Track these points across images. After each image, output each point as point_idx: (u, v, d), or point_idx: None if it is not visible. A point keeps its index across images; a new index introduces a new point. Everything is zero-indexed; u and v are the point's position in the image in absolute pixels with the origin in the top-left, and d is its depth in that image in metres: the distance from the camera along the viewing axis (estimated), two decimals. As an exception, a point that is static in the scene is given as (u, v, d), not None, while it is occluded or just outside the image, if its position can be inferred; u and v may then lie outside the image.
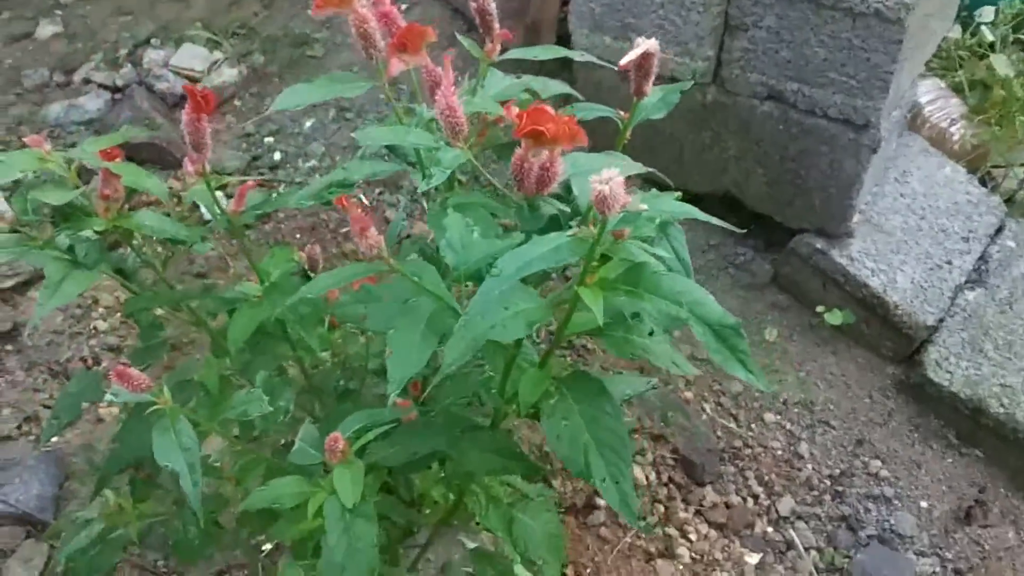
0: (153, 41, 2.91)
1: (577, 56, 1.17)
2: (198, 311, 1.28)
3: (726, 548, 2.07)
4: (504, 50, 1.17)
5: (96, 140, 1.22)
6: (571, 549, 2.00)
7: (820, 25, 2.07)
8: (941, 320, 2.30)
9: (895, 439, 2.26)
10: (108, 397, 1.01)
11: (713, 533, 2.09)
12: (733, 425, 2.27)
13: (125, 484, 1.42)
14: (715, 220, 1.00)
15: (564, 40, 2.56)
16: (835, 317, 2.39)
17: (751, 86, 2.26)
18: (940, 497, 2.17)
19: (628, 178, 0.85)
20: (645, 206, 0.77)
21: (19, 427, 1.95)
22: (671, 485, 2.15)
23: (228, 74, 2.77)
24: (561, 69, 2.71)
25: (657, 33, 2.32)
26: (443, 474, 1.31)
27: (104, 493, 1.40)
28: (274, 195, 1.22)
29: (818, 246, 2.36)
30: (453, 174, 1.17)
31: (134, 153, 2.59)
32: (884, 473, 2.19)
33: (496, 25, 1.10)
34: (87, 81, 2.78)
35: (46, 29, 3.02)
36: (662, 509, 2.11)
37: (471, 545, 1.42)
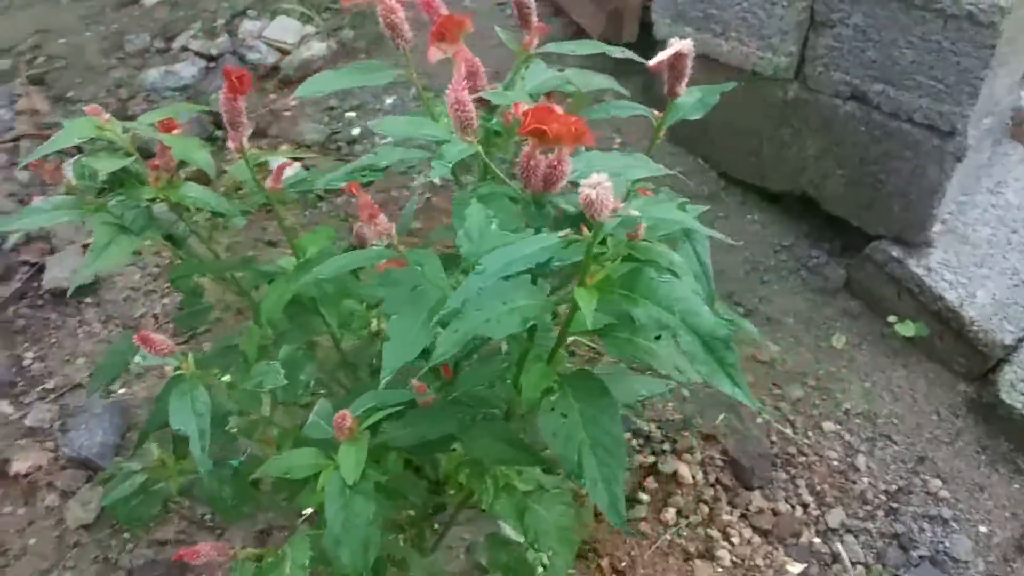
0: (250, 12, 3.00)
1: (617, 53, 1.16)
2: (241, 282, 1.33)
3: (769, 555, 2.04)
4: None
5: (153, 112, 1.28)
6: (608, 542, 2.00)
7: (909, 26, 1.99)
8: (1021, 340, 2.20)
9: (960, 459, 2.18)
10: (137, 359, 1.06)
11: (757, 539, 2.06)
12: (789, 431, 2.22)
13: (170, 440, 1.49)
14: (716, 233, 0.97)
15: (648, 28, 2.53)
16: (907, 328, 2.30)
17: (834, 85, 2.19)
18: (1002, 523, 2.08)
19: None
20: (636, 212, 0.76)
21: (91, 376, 2.06)
22: (718, 486, 2.12)
23: (317, 48, 2.83)
24: (646, 57, 2.68)
25: (740, 26, 2.27)
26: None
27: (149, 447, 1.48)
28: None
29: (894, 254, 2.27)
30: (486, 166, 1.18)
31: (218, 119, 2.68)
32: (944, 494, 2.11)
33: (534, 18, 1.10)
34: (184, 49, 2.89)
35: (152, -4, 3.16)
36: (706, 510, 2.08)
37: (493, 530, 1.44)
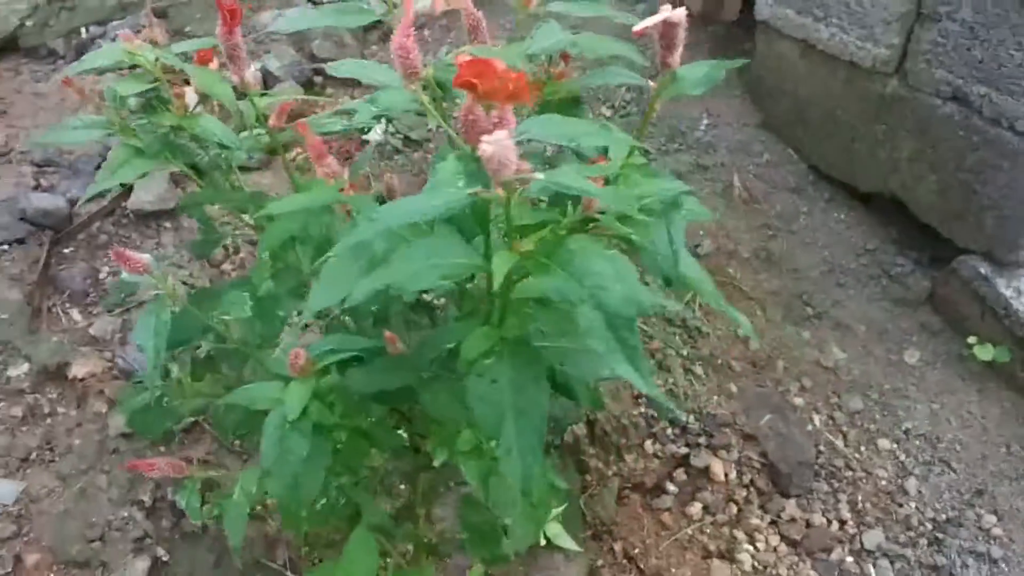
0: (366, -38, 3.05)
1: (620, 18, 1.11)
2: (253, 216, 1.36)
3: (794, 567, 1.95)
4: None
5: (188, 42, 1.32)
6: (625, 526, 1.97)
7: (1020, 25, 1.83)
8: (1111, 380, 2.01)
9: (1022, 499, 2.02)
10: (123, 276, 1.10)
11: (783, 547, 1.97)
12: (840, 443, 2.11)
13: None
14: (697, 208, 0.92)
15: (751, 6, 2.42)
16: (986, 352, 2.14)
17: (935, 83, 2.04)
18: (1057, 574, 1.92)
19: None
20: (540, 175, 0.73)
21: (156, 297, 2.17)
22: (751, 488, 2.05)
23: (423, 3, 2.85)
24: (745, 36, 2.57)
25: (842, 12, 2.14)
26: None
27: (170, 367, 1.54)
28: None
29: (982, 271, 2.11)
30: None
31: (317, 66, 2.75)
32: (997, 531, 1.97)
33: (535, -25, 1.07)
34: (300, -7, 2.97)
35: (279, -60, 3.25)
36: (735, 510, 2.01)
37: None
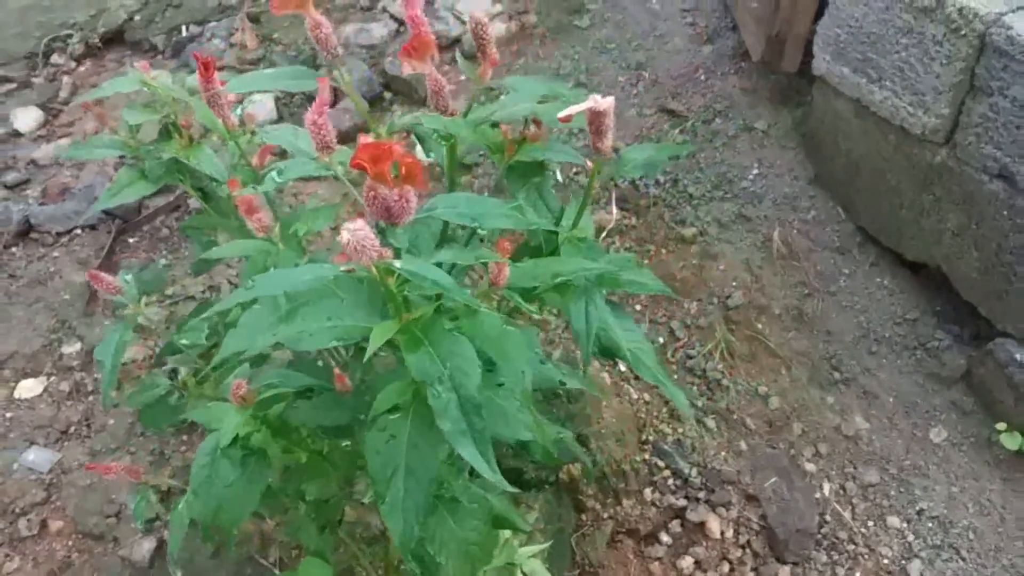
0: (452, -16, 3.14)
1: (563, 90, 1.14)
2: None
3: (778, 635, 1.93)
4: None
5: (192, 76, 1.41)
6: (612, 569, 1.98)
7: (1072, 108, 1.76)
8: None
9: (1031, 599, 1.94)
10: (101, 293, 1.21)
11: (770, 614, 1.96)
12: (848, 514, 2.07)
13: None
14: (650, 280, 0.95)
15: (809, 60, 2.38)
16: (1013, 440, 2.06)
17: (983, 158, 1.97)
18: None
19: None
20: (397, 263, 0.78)
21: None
22: (747, 549, 2.03)
23: (498, 28, 2.92)
24: (806, 87, 2.53)
25: (896, 76, 2.09)
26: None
27: (179, 368, 1.66)
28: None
29: (1018, 356, 2.03)
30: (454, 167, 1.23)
31: (390, 82, 2.85)
32: (998, 630, 1.90)
33: (491, 50, 1.11)
34: (384, 10, 3.08)
35: (374, -44, 3.37)
36: (727, 568, 2.00)
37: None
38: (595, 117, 1.01)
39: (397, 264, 0.78)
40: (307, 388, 1.22)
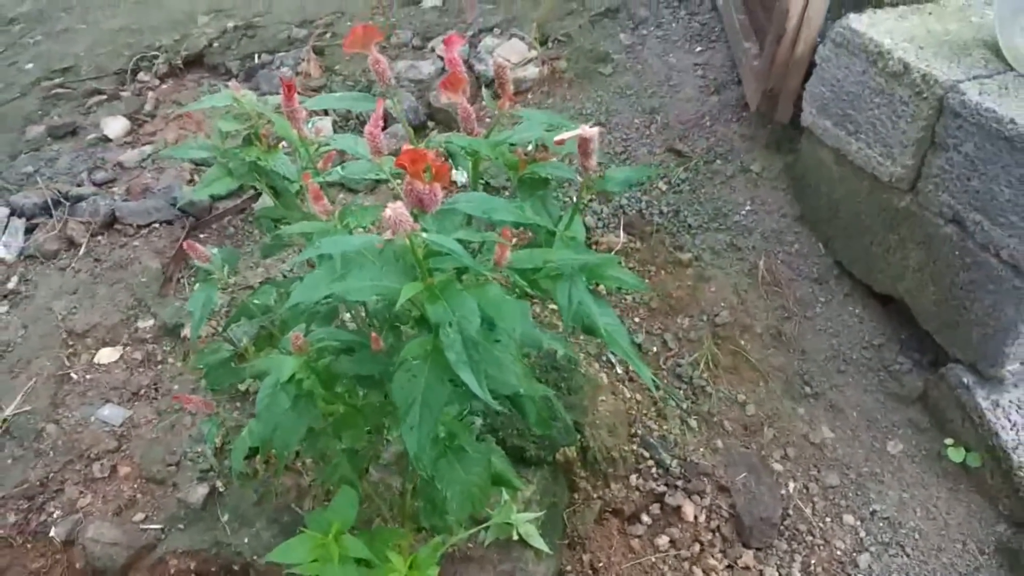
0: (495, 30, 3.51)
1: (564, 130, 1.47)
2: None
3: (738, 608, 2.21)
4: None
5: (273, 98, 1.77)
6: (596, 542, 2.28)
7: (1010, 165, 2.06)
8: (1066, 499, 2.17)
9: (963, 593, 2.20)
10: (194, 262, 1.55)
11: (734, 590, 2.24)
12: (808, 510, 2.35)
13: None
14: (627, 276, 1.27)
15: (799, 113, 2.71)
16: (958, 454, 2.34)
17: (939, 205, 2.28)
18: (976, 664, 2.10)
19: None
20: (425, 234, 1.12)
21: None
22: (717, 533, 2.32)
23: (532, 71, 3.28)
24: (798, 136, 2.85)
25: (869, 130, 2.41)
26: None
27: (241, 336, 2.00)
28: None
29: (965, 380, 2.32)
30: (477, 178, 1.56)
31: (433, 112, 3.22)
32: (931, 617, 2.16)
33: (509, 88, 1.45)
34: (433, 50, 3.46)
35: (430, 1, 3.76)
36: (698, 548, 2.29)
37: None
38: (583, 142, 1.34)
39: (424, 235, 1.12)
40: (349, 347, 1.56)
